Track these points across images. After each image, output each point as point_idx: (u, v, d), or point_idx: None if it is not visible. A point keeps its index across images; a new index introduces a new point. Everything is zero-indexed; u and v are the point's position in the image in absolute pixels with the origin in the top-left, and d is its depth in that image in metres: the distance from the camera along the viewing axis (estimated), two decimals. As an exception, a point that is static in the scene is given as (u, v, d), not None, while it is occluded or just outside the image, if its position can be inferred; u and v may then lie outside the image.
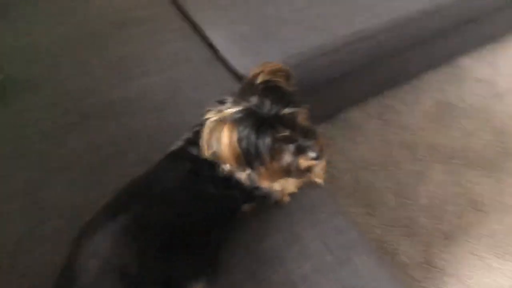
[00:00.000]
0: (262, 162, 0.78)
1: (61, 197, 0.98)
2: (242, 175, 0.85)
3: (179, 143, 0.91)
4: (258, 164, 0.78)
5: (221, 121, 0.77)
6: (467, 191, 1.60)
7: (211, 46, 1.36)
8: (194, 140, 0.87)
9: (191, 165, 0.86)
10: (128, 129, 1.10)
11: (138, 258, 0.75)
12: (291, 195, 1.00)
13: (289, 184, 0.97)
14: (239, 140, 0.75)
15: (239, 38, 1.34)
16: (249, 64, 1.28)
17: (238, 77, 1.27)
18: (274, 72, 0.82)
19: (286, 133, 0.77)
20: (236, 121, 0.76)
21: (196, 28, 1.41)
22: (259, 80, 0.80)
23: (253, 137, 0.75)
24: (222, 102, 0.82)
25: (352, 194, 1.58)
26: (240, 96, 0.79)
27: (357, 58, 1.49)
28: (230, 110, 0.77)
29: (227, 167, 0.83)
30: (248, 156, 0.77)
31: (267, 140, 0.75)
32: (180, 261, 0.79)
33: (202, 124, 0.87)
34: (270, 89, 0.79)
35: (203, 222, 0.85)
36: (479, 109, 1.88)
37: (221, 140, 0.76)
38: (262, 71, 0.81)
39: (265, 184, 0.87)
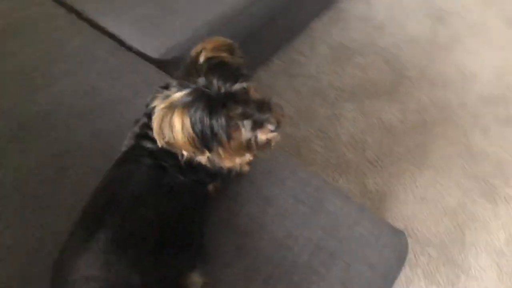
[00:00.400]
0: (220, 143, 0.75)
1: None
2: (202, 159, 0.82)
3: (129, 142, 0.86)
4: (216, 145, 0.76)
5: (170, 107, 0.73)
6: (378, 120, 1.76)
7: (112, 36, 1.28)
8: (144, 133, 0.84)
9: (151, 160, 0.82)
10: (61, 143, 1.00)
11: (136, 267, 0.72)
12: (250, 163, 1.01)
13: (247, 156, 0.98)
14: (192, 124, 0.72)
15: (139, 21, 1.28)
16: (158, 45, 1.24)
17: (151, 61, 1.22)
18: (217, 48, 0.79)
19: (240, 110, 0.74)
20: (186, 105, 0.72)
21: (90, 22, 1.30)
22: (202, 58, 0.77)
23: (206, 119, 0.72)
24: (166, 87, 0.78)
25: (281, 149, 1.64)
26: (185, 78, 0.76)
27: (255, 20, 1.52)
28: (178, 94, 0.74)
29: (185, 153, 0.80)
30: (204, 139, 0.74)
31: (221, 120, 0.73)
32: (173, 257, 0.78)
33: (147, 115, 0.84)
34: (215, 67, 0.75)
35: (183, 213, 0.83)
36: (367, 44, 2.04)
37: (173, 127, 0.73)
38: (204, 49, 0.78)
39: (227, 163, 0.85)
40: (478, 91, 1.88)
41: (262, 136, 0.78)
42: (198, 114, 0.72)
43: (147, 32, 1.25)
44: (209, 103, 0.72)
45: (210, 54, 0.77)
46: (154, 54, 1.22)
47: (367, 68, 1.94)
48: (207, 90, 0.73)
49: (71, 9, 1.31)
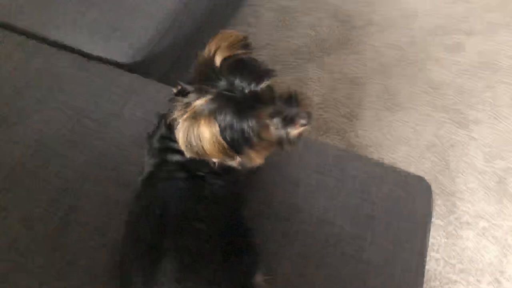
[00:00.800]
0: (251, 146, 0.72)
1: None
2: (233, 163, 0.79)
3: (151, 160, 0.81)
4: (247, 149, 0.72)
5: (195, 116, 0.69)
6: (341, 74, 1.79)
7: (71, 50, 1.16)
8: (167, 147, 0.79)
9: (185, 173, 0.78)
10: (62, 179, 0.91)
11: (213, 285, 0.69)
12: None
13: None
14: (222, 131, 0.69)
15: (96, 27, 1.17)
16: (125, 49, 1.16)
17: (123, 66, 1.13)
18: (232, 45, 0.74)
19: (270, 109, 0.71)
20: (212, 112, 0.68)
21: (41, 39, 1.16)
22: (219, 59, 0.71)
23: (236, 124, 0.69)
24: (183, 94, 0.73)
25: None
26: (203, 83, 0.71)
27: (202, 7, 1.44)
28: (200, 101, 0.69)
29: (215, 160, 0.76)
30: (234, 145, 0.71)
31: (252, 123, 0.69)
32: (240, 262, 0.76)
33: (166, 126, 0.79)
34: (235, 67, 0.71)
35: (232, 215, 0.80)
36: (309, 1, 2.03)
37: (201, 137, 0.69)
38: (218, 48, 0.73)
39: (257, 162, 0.80)
40: (422, 26, 1.96)
41: (294, 131, 0.74)
42: (227, 120, 0.68)
43: (109, 38, 1.15)
44: (237, 107, 0.68)
45: (226, 54, 0.72)
46: (123, 59, 1.13)
47: (316, 26, 1.95)
48: (231, 93, 0.69)
49: (14, 29, 1.17)
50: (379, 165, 1.03)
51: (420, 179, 1.01)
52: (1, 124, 0.99)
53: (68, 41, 1.13)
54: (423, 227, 0.95)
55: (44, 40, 1.12)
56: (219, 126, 0.68)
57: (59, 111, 0.99)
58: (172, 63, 1.29)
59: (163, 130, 0.80)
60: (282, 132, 0.73)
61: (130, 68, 1.12)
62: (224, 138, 0.69)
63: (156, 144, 0.81)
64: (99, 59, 1.11)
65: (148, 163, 0.81)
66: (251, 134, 0.70)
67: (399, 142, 1.62)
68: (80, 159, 0.92)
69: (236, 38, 0.75)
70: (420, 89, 1.76)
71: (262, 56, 1.83)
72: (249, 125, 0.69)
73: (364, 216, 0.93)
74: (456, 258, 1.41)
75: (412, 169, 1.54)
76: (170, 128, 0.76)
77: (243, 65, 0.72)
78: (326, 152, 1.02)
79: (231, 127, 0.69)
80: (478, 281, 1.37)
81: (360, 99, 1.72)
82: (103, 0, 1.18)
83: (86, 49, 1.13)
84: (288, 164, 0.99)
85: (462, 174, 1.56)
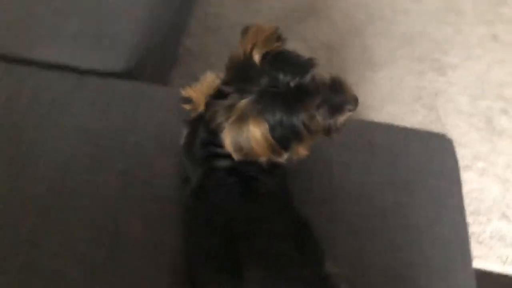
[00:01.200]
0: (301, 140, 0.70)
1: None
2: (281, 159, 0.74)
3: (196, 171, 0.77)
4: (296, 143, 0.70)
5: (241, 118, 0.65)
6: (317, 41, 1.77)
7: (54, 67, 1.05)
8: (212, 153, 0.75)
9: (236, 177, 0.75)
10: (99, 210, 0.84)
11: (299, 282, 0.67)
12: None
13: None
14: (272, 129, 0.66)
15: (80, 40, 1.06)
16: (116, 57, 1.07)
17: (118, 76, 1.05)
18: (268, 39, 0.70)
19: (318, 100, 0.68)
20: (260, 112, 0.65)
21: (23, 62, 1.03)
22: (257, 56, 0.68)
23: (286, 120, 0.66)
24: (223, 96, 0.70)
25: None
26: (243, 82, 0.68)
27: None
28: (244, 102, 0.66)
29: (264, 159, 0.72)
30: (284, 141, 0.68)
31: (302, 117, 0.67)
32: (313, 253, 0.74)
33: (199, 133, 0.75)
34: (277, 61, 0.68)
35: (290, 209, 0.78)
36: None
37: (251, 138, 0.66)
38: (255, 44, 0.69)
39: (304, 154, 0.77)
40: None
41: (341, 118, 0.72)
42: (277, 117, 0.66)
43: (96, 48, 1.05)
44: (284, 102, 0.66)
45: (264, 49, 0.69)
46: (116, 67, 1.04)
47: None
48: (276, 89, 0.66)
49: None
50: (401, 129, 1.03)
51: (441, 136, 1.03)
52: (13, 164, 0.89)
53: (54, 58, 1.03)
54: (456, 182, 0.97)
55: (29, 62, 1.01)
56: (269, 124, 0.66)
57: (71, 138, 0.91)
58: (164, 61, 1.22)
59: (203, 136, 0.76)
60: (330, 121, 0.71)
61: (126, 75, 1.04)
62: (274, 137, 0.66)
63: (199, 152, 0.77)
64: (92, 72, 1.02)
65: (193, 173, 0.77)
66: (301, 128, 0.68)
67: (387, 100, 1.64)
68: (109, 183, 0.85)
69: (270, 31, 0.71)
70: (395, 44, 1.78)
71: (232, 36, 1.77)
72: (298, 119, 0.67)
73: (401, 182, 0.94)
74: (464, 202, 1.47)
75: (407, 125, 1.57)
76: (213, 133, 0.72)
77: (284, 58, 0.69)
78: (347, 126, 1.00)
79: (281, 123, 0.66)
80: (489, 219, 1.43)
81: (341, 64, 1.72)
82: (80, 8, 1.08)
83: (75, 64, 1.02)
84: (317, 147, 0.97)
85: (452, 120, 1.61)
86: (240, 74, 0.69)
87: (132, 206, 0.84)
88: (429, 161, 0.98)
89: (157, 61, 1.22)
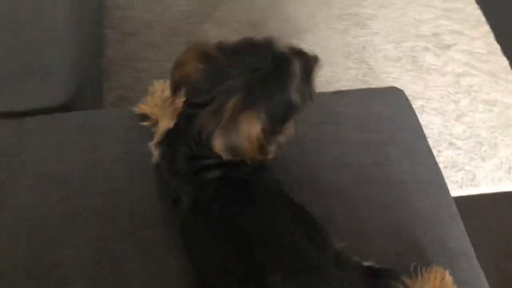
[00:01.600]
0: (296, 111, 0.70)
1: None
2: (270, 154, 0.72)
3: (188, 186, 0.74)
4: (291, 119, 0.70)
5: (233, 118, 0.64)
6: (239, 21, 1.75)
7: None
8: (198, 167, 0.73)
9: (229, 187, 0.73)
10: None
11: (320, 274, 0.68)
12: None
13: None
14: (270, 115, 0.65)
15: (9, 80, 0.97)
16: (55, 89, 0.98)
17: (63, 109, 0.97)
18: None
19: (296, 64, 0.68)
20: (254, 103, 0.65)
21: None
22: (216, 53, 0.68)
23: (282, 97, 0.67)
24: (202, 106, 0.67)
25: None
26: (218, 82, 0.66)
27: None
28: (234, 100, 0.64)
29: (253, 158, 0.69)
30: (282, 122, 0.69)
31: (295, 86, 0.68)
32: (325, 243, 0.74)
33: (178, 149, 0.74)
34: (237, 51, 0.68)
35: (289, 203, 0.78)
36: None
37: (244, 136, 0.64)
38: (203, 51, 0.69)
39: (291, 135, 0.76)
40: None
41: (314, 79, 0.74)
42: (274, 98, 0.66)
43: (28, 85, 0.96)
44: (276, 79, 0.67)
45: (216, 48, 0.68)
46: (56, 101, 0.96)
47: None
48: (259, 71, 0.65)
49: None
50: (356, 93, 1.07)
51: (394, 89, 1.08)
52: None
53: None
54: (419, 130, 1.03)
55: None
56: (266, 111, 0.65)
57: (41, 189, 0.83)
58: (101, 82, 1.14)
59: (184, 151, 0.73)
60: (310, 84, 0.73)
61: (68, 107, 0.97)
62: (273, 121, 0.66)
63: (184, 169, 0.74)
64: (31, 113, 0.93)
65: (184, 191, 0.74)
66: (296, 99, 0.68)
67: (329, 63, 1.67)
68: (91, 222, 0.80)
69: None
70: (314, 8, 1.81)
71: (154, 35, 1.70)
72: (293, 90, 0.67)
73: (375, 144, 0.97)
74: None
75: (344, 83, 1.63)
76: (197, 145, 0.69)
77: (240, 44, 0.69)
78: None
79: (279, 102, 0.67)
80: (439, 151, 1.54)
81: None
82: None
83: (7, 107, 0.94)
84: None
85: (383, 68, 1.69)
86: (208, 78, 0.67)
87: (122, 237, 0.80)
88: (391, 116, 1.02)
89: (98, 84, 1.14)
